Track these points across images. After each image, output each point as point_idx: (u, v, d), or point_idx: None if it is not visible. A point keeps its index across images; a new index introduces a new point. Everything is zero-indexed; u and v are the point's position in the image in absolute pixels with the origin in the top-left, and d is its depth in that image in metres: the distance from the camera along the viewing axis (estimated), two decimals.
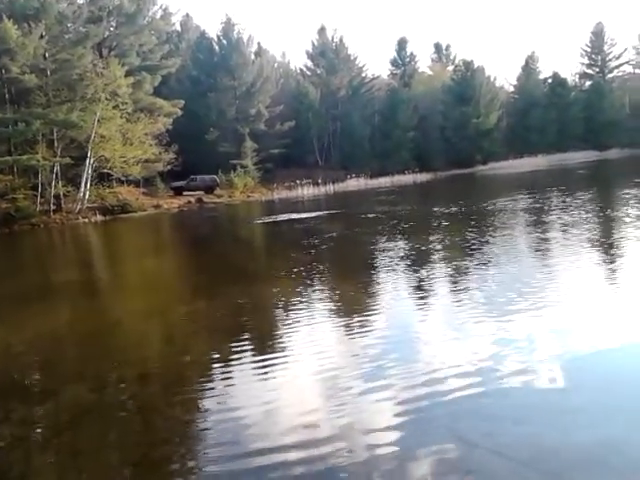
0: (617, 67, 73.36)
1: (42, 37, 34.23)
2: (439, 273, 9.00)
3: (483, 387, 4.34)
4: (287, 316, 7.09)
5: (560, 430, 3.65)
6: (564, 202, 17.77)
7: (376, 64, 77.06)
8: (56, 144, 34.56)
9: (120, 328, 7.67)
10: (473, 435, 3.65)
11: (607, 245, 10.05)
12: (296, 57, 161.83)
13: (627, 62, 72.97)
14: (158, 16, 52.55)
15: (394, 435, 3.75)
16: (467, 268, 9.05)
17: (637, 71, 73.84)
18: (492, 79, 69.02)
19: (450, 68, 70.88)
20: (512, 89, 74.94)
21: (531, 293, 6.89)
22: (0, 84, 34.30)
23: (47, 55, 35.18)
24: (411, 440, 3.66)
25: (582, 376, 4.46)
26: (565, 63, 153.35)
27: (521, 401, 4.10)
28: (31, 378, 5.87)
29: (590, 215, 14.22)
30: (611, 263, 8.56)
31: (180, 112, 45.94)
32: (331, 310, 7.29)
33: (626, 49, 71.96)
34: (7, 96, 34.33)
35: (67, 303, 10.05)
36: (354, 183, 50.48)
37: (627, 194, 18.12)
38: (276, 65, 73.66)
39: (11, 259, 18.86)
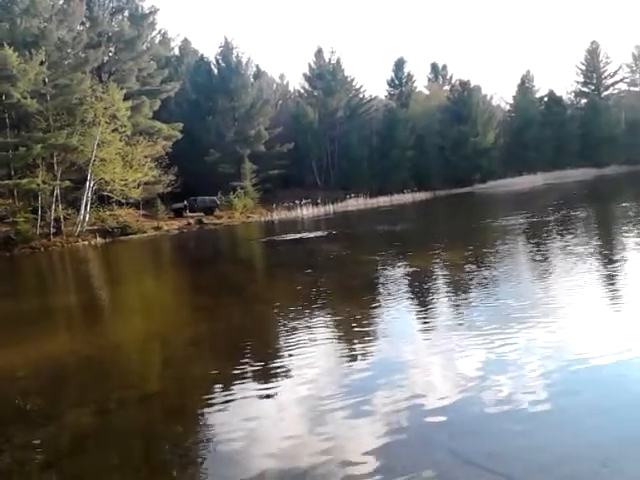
0: (612, 85, 74.04)
1: (42, 63, 34.57)
2: (437, 293, 9.05)
3: (483, 406, 4.37)
4: (287, 338, 7.10)
5: (560, 446, 3.68)
6: (564, 220, 17.84)
7: (373, 85, 77.99)
8: (56, 168, 34.79)
9: (121, 351, 7.68)
10: (472, 454, 3.67)
11: (609, 263, 10.08)
12: (295, 78, 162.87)
13: (622, 80, 73.81)
14: (157, 41, 53.17)
15: (391, 456, 3.78)
16: (466, 287, 9.09)
17: (632, 88, 74.51)
18: (489, 98, 69.64)
19: (447, 88, 71.43)
20: (508, 108, 75.56)
21: (529, 313, 6.93)
22: (1, 109, 34.59)
23: (47, 80, 35.52)
24: (409, 459, 3.69)
25: (580, 395, 4.48)
26: (560, 81, 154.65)
27: (520, 418, 4.13)
28: (32, 402, 5.88)
29: (590, 234, 14.29)
30: (611, 282, 8.60)
31: (179, 135, 46.20)
32: (329, 332, 7.32)
33: (620, 67, 72.80)
34: (8, 121, 34.60)
35: (68, 326, 10.08)
36: (354, 203, 50.72)
37: (627, 211, 18.22)
38: (275, 87, 74.28)
39: (12, 283, 18.89)
